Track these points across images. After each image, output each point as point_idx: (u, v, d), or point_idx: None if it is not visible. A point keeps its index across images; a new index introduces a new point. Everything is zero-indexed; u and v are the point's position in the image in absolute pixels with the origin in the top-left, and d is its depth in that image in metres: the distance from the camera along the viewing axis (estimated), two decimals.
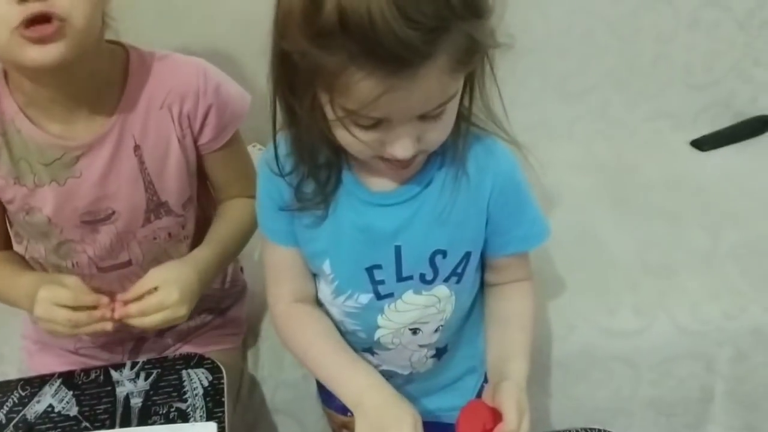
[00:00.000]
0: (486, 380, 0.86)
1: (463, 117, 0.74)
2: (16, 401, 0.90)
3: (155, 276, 0.88)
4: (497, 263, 0.84)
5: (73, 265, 0.95)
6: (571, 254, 1.22)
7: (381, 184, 0.77)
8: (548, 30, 1.45)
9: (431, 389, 0.91)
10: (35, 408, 0.89)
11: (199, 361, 0.94)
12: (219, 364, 0.93)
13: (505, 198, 0.78)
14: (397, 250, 0.78)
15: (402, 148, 0.67)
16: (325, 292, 0.84)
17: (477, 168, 0.77)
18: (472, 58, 0.66)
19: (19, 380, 0.93)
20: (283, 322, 0.85)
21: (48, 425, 0.87)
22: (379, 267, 0.79)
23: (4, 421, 0.87)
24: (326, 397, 0.99)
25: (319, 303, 0.86)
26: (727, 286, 1.16)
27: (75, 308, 0.85)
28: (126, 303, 0.86)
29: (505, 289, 0.86)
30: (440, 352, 0.87)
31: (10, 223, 0.97)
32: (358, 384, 0.76)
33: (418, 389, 0.90)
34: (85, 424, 0.87)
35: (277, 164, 0.77)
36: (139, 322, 0.86)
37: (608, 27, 1.45)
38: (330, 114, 0.67)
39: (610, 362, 1.14)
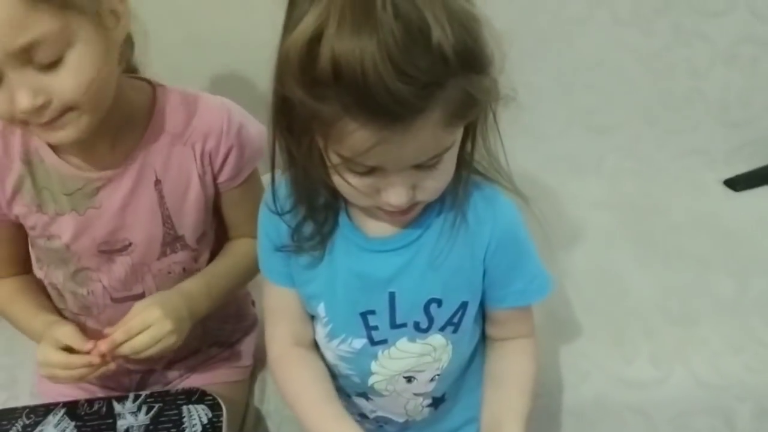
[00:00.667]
0: None
1: (464, 164, 0.73)
2: (20, 430, 0.91)
3: (138, 306, 0.89)
4: (497, 316, 0.82)
5: (88, 293, 0.96)
6: (588, 297, 1.19)
7: (377, 229, 0.76)
8: (577, 63, 1.43)
9: None
10: None
11: (200, 396, 0.94)
12: (220, 401, 0.93)
13: (503, 252, 0.76)
14: (391, 297, 0.77)
15: (396, 195, 0.67)
16: (320, 334, 0.83)
17: (476, 218, 0.75)
18: (469, 112, 0.65)
19: (25, 408, 0.94)
20: (277, 365, 0.85)
21: None
22: (372, 313, 0.78)
23: None
24: None
25: (316, 345, 0.85)
26: (751, 338, 1.11)
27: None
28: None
29: (505, 346, 0.84)
30: (437, 402, 0.85)
31: (32, 245, 0.99)
32: None
33: None
34: None
35: (275, 203, 0.77)
36: (129, 348, 0.85)
37: (639, 61, 1.41)
38: (326, 159, 0.67)
39: (624, 413, 1.10)
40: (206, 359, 1.07)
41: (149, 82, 0.93)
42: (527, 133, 1.47)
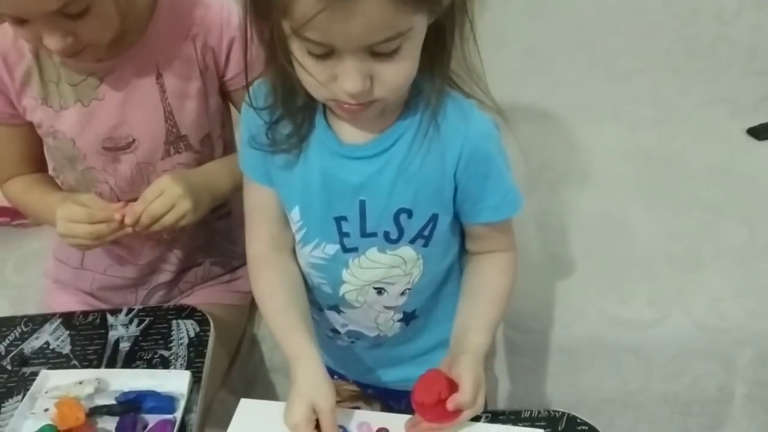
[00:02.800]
0: None
1: (438, 71, 0.72)
2: (18, 336, 0.95)
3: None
4: (474, 231, 0.82)
5: (96, 195, 0.98)
6: (591, 239, 1.17)
7: (352, 135, 0.76)
8: (597, 6, 1.39)
9: (401, 358, 0.89)
10: (32, 344, 0.94)
11: (190, 312, 0.97)
12: (208, 317, 0.96)
13: (474, 167, 0.75)
14: (362, 205, 0.77)
15: (351, 81, 0.65)
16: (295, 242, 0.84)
17: (448, 129, 0.74)
18: None
19: (23, 317, 0.98)
20: (252, 266, 0.85)
21: (41, 359, 0.92)
22: (345, 219, 0.78)
23: (3, 353, 0.93)
24: None
25: (294, 253, 0.86)
26: (756, 284, 1.08)
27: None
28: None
29: (483, 260, 0.83)
30: (408, 317, 0.85)
31: (46, 150, 1.02)
32: (290, 352, 0.77)
33: (388, 356, 0.89)
34: (74, 362, 0.91)
35: (251, 97, 0.77)
36: (148, 216, 0.88)
37: (663, 4, 1.37)
38: (284, 37, 0.66)
39: (618, 352, 1.08)
40: (207, 279, 1.10)
41: None
42: (545, 78, 1.45)
